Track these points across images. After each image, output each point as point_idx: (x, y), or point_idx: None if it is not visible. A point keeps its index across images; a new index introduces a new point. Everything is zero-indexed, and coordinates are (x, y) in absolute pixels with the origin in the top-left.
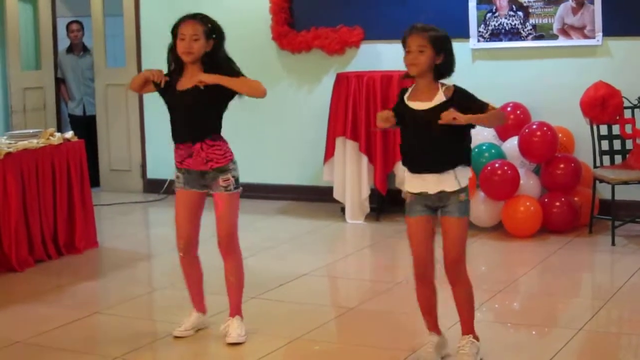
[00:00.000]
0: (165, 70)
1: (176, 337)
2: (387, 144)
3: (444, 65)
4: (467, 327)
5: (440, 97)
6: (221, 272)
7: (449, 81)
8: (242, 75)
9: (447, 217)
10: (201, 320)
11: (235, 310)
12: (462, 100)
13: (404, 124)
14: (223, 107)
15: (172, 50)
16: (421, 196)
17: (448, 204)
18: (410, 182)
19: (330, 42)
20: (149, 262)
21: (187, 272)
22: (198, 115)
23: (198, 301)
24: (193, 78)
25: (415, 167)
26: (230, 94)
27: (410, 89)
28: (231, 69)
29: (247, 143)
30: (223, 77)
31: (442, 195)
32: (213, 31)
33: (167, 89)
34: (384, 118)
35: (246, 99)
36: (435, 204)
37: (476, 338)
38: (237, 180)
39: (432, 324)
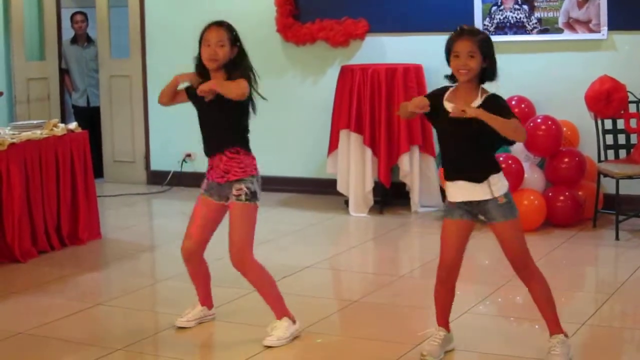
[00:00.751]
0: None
1: (178, 327)
2: (391, 137)
3: (490, 70)
4: (553, 326)
5: (477, 102)
6: (223, 263)
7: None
8: (247, 73)
9: (492, 223)
10: (205, 314)
11: (280, 313)
12: (491, 105)
13: (439, 128)
14: (239, 117)
15: (199, 58)
16: (460, 204)
17: (487, 209)
18: (448, 190)
19: (335, 34)
20: (152, 254)
21: (192, 272)
22: (215, 126)
23: (204, 296)
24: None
25: (450, 173)
26: (237, 104)
27: (450, 89)
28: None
29: (251, 135)
30: (217, 83)
31: (479, 201)
32: (237, 38)
33: (198, 99)
34: (419, 105)
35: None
36: (475, 209)
37: (566, 336)
38: (252, 193)
39: (443, 320)
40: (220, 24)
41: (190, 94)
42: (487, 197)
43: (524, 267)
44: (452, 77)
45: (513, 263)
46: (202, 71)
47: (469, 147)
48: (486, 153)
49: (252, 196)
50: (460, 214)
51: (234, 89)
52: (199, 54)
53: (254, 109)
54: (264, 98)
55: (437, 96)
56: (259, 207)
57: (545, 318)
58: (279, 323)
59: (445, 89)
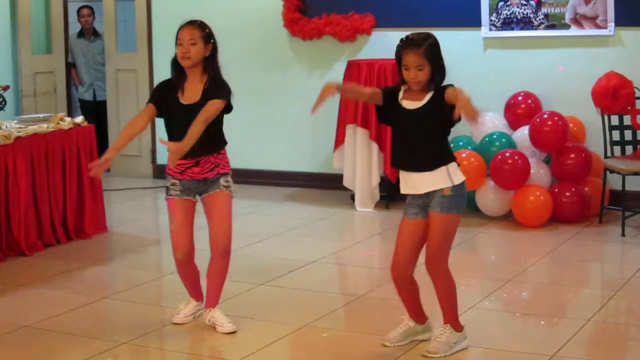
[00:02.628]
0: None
1: (175, 324)
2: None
3: (438, 75)
4: (448, 317)
5: (429, 96)
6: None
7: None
8: (228, 94)
9: (430, 211)
10: (199, 308)
11: (216, 301)
12: (438, 93)
13: (394, 124)
14: (221, 122)
15: (175, 59)
16: (413, 196)
17: (433, 198)
18: (403, 181)
19: (341, 29)
20: (158, 248)
21: (184, 276)
22: (207, 129)
23: (195, 293)
24: (195, 88)
25: (402, 165)
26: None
27: (403, 89)
28: (225, 84)
29: (257, 129)
30: (191, 138)
31: (429, 193)
32: (211, 36)
33: (173, 102)
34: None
35: (257, 89)
36: (425, 202)
37: (458, 329)
38: (232, 188)
39: (413, 311)
40: (192, 23)
41: (162, 101)
42: (444, 185)
43: (435, 264)
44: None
45: (429, 256)
46: (179, 71)
47: (422, 142)
48: (439, 146)
49: (232, 190)
50: (416, 212)
51: (203, 121)
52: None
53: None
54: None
55: (393, 92)
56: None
57: (442, 310)
58: (214, 311)
59: (399, 85)
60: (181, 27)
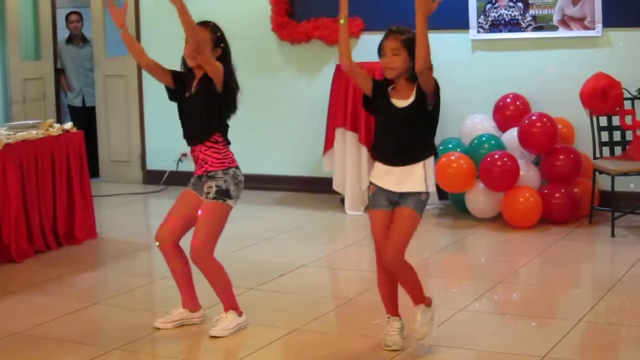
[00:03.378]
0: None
1: (155, 327)
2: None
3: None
4: (417, 299)
5: (414, 95)
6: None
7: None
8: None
9: (403, 207)
10: (186, 316)
11: (228, 305)
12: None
13: (381, 117)
14: (218, 108)
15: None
16: (386, 191)
17: (408, 197)
18: (377, 173)
19: (330, 32)
20: (148, 253)
21: (172, 268)
22: (195, 117)
23: (186, 297)
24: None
25: (387, 159)
26: (214, 91)
27: (390, 89)
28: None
29: (246, 133)
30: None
31: (404, 193)
32: (221, 40)
33: (179, 93)
34: None
35: (246, 93)
36: (396, 199)
37: (427, 302)
38: (222, 191)
39: (393, 309)
40: (205, 24)
41: (175, 80)
42: (420, 189)
43: (401, 258)
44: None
45: (393, 252)
46: (188, 70)
47: (407, 138)
48: (421, 141)
49: (223, 194)
50: (385, 204)
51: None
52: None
53: (234, 108)
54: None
55: (383, 86)
56: (232, 207)
57: (409, 295)
58: (225, 315)
59: (386, 85)
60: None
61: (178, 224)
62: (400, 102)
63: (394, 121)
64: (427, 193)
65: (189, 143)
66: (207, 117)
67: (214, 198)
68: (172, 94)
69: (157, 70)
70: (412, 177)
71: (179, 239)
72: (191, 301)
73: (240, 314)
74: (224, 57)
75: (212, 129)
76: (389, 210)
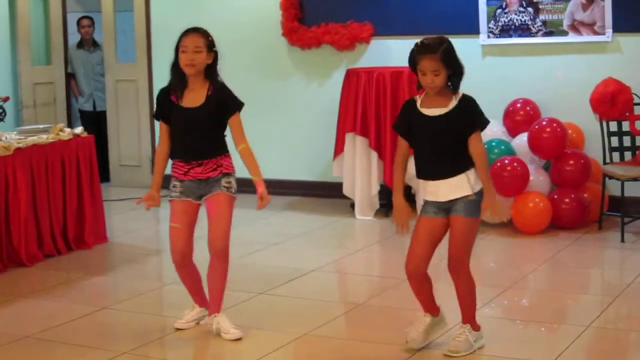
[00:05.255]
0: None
1: (177, 329)
2: (397, 140)
3: (455, 76)
4: (467, 317)
5: (453, 103)
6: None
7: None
8: (240, 103)
9: (454, 215)
10: (203, 315)
11: (219, 306)
12: (466, 109)
13: (417, 133)
14: (226, 123)
15: (175, 64)
16: (434, 203)
17: (456, 203)
18: (424, 189)
19: (340, 37)
20: (158, 258)
21: (184, 278)
22: (210, 133)
23: (199, 299)
24: (198, 94)
25: (429, 174)
26: (227, 112)
27: (420, 98)
28: (232, 93)
29: (256, 138)
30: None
31: (453, 200)
32: (213, 44)
33: (171, 107)
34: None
35: (256, 97)
36: (447, 206)
37: (475, 328)
38: (235, 189)
39: (427, 305)
40: (197, 30)
41: (167, 111)
42: (467, 192)
43: (457, 266)
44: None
45: (452, 257)
46: (180, 77)
47: (447, 148)
48: (462, 151)
49: (235, 191)
50: (435, 211)
51: (249, 150)
52: (175, 60)
53: None
54: None
55: (409, 109)
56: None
57: (461, 309)
58: (219, 316)
59: (413, 99)
60: (185, 34)
61: (188, 245)
62: (434, 111)
63: (429, 132)
64: (476, 193)
65: (194, 159)
66: (218, 132)
67: (235, 192)
68: (159, 115)
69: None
70: (456, 185)
71: (192, 253)
72: (204, 302)
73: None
74: (214, 62)
75: (222, 142)
76: (438, 217)
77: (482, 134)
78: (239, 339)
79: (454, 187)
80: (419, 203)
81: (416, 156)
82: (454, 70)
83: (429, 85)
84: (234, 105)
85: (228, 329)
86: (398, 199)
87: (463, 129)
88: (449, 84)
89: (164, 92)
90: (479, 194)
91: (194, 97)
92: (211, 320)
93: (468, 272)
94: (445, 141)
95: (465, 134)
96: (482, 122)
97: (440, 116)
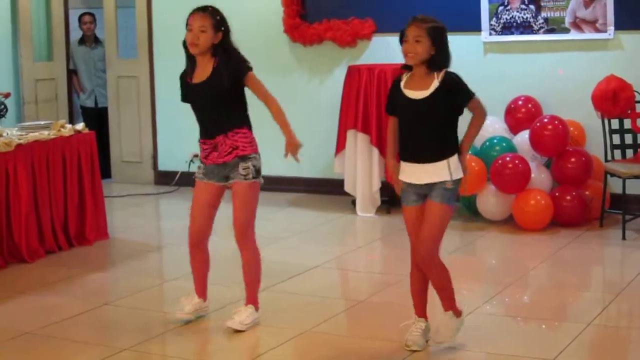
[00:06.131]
0: None
1: (178, 317)
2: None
3: (439, 57)
4: (448, 305)
5: (435, 85)
6: (230, 264)
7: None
8: (249, 66)
9: (429, 200)
10: (201, 306)
11: (250, 299)
12: (450, 86)
13: (399, 114)
14: (240, 96)
15: (185, 42)
16: (412, 185)
17: (434, 189)
18: (404, 171)
19: (342, 34)
20: (159, 254)
21: (195, 261)
22: (218, 107)
23: (200, 287)
24: (205, 70)
25: (410, 156)
26: (240, 84)
27: (405, 77)
28: (242, 59)
29: (258, 135)
30: (291, 137)
31: (430, 184)
32: (222, 23)
33: (187, 87)
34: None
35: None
36: (425, 191)
37: (457, 314)
38: (257, 170)
39: (421, 309)
40: (204, 10)
41: (184, 92)
42: (445, 178)
43: (433, 255)
44: (406, 65)
45: (421, 247)
46: (189, 55)
47: (429, 132)
48: (446, 135)
49: (257, 174)
50: (414, 199)
51: (278, 107)
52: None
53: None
54: None
55: (394, 89)
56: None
57: (442, 299)
58: (244, 308)
59: (400, 77)
60: (192, 13)
61: (205, 225)
62: (416, 94)
63: (410, 114)
64: (454, 181)
65: (211, 136)
66: (232, 107)
67: (253, 178)
68: (182, 97)
69: None
70: (436, 170)
71: (209, 235)
72: (204, 292)
73: (257, 309)
74: (225, 41)
75: (239, 119)
76: (420, 204)
77: (483, 130)
78: (238, 331)
79: (432, 172)
80: None
81: (399, 137)
82: (439, 50)
83: (408, 51)
84: (243, 68)
85: (235, 318)
86: (389, 161)
87: (452, 109)
88: (430, 65)
89: (182, 74)
90: (457, 183)
91: (202, 73)
92: (239, 308)
93: (440, 262)
94: (427, 125)
95: (455, 114)
96: (468, 92)
97: (422, 99)
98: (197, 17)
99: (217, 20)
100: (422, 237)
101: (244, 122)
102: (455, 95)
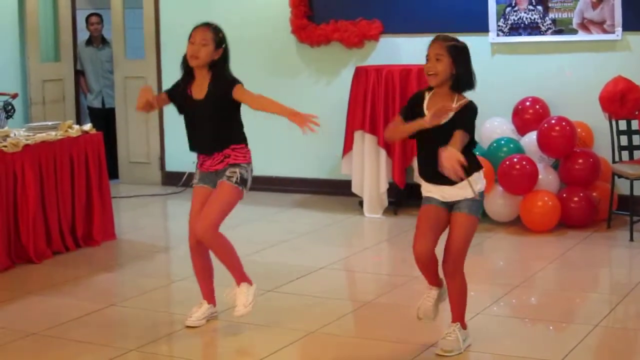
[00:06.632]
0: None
1: (188, 327)
2: (406, 138)
3: (461, 77)
4: (457, 316)
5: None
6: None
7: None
8: (237, 80)
9: (456, 212)
10: (211, 312)
11: (239, 279)
12: (461, 115)
13: (420, 134)
14: (237, 115)
15: (185, 57)
16: (435, 199)
17: (461, 201)
18: (427, 188)
19: (349, 35)
20: (166, 255)
21: (195, 267)
22: (216, 125)
23: (207, 293)
24: (202, 86)
25: (431, 178)
26: (228, 93)
27: (428, 96)
28: (230, 77)
29: (265, 136)
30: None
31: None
32: (223, 41)
33: (181, 96)
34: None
35: (265, 94)
36: (451, 203)
37: (464, 326)
38: (243, 179)
39: (433, 279)
40: (207, 25)
41: (175, 95)
42: (469, 196)
43: (455, 265)
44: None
45: (448, 255)
46: (187, 69)
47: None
48: (467, 156)
49: (242, 182)
50: (440, 202)
51: (269, 99)
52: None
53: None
54: None
55: (416, 102)
56: (243, 197)
57: (452, 308)
58: (238, 290)
59: (422, 96)
60: (195, 27)
61: None
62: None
63: (432, 136)
64: (480, 193)
65: (206, 152)
66: (225, 123)
67: (235, 182)
68: (179, 108)
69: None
70: (459, 190)
71: None
72: (212, 297)
73: (251, 283)
74: (224, 58)
75: (231, 136)
76: (441, 207)
77: (491, 131)
78: (244, 315)
79: (454, 194)
80: None
81: (420, 157)
82: (460, 69)
83: (430, 70)
84: (231, 83)
85: (239, 303)
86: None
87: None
88: (453, 85)
89: (175, 87)
90: (481, 194)
91: (200, 89)
92: (232, 290)
93: (463, 272)
94: (444, 144)
95: (471, 137)
96: (467, 129)
97: (440, 126)
98: (199, 31)
99: (219, 37)
100: (450, 248)
101: (241, 139)
102: (463, 121)
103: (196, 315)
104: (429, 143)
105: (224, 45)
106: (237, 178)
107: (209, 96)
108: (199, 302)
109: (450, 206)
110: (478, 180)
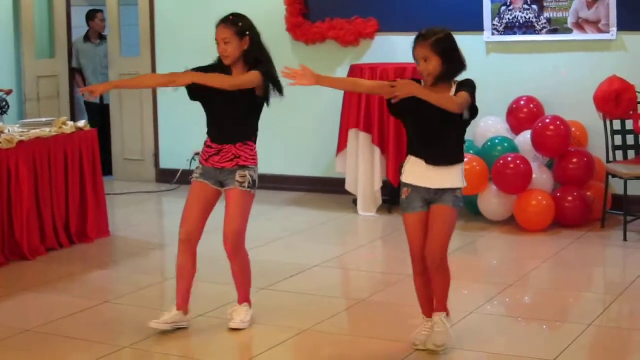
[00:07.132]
0: None
1: (152, 326)
2: (401, 136)
3: (452, 67)
4: (442, 306)
5: (452, 93)
6: (226, 263)
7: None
8: (260, 69)
9: (439, 204)
10: (180, 319)
11: (243, 298)
12: (461, 86)
13: (416, 114)
14: (256, 111)
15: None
16: (420, 190)
17: (444, 194)
18: (413, 173)
19: (344, 33)
20: (160, 252)
21: (181, 261)
22: (239, 117)
23: (182, 298)
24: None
25: (426, 158)
26: (254, 97)
27: (423, 83)
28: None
29: (260, 134)
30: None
31: (440, 190)
32: (246, 28)
33: (207, 93)
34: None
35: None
36: (432, 197)
37: (448, 314)
38: (254, 181)
39: (429, 311)
40: (224, 21)
41: (195, 89)
42: (457, 185)
43: (442, 257)
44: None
45: (434, 249)
46: (225, 66)
47: (449, 137)
48: (461, 143)
49: (253, 185)
50: (420, 205)
51: (222, 82)
52: None
53: (267, 102)
54: (280, 93)
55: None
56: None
57: (435, 298)
58: (239, 307)
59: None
60: (217, 27)
61: (196, 224)
62: None
63: (430, 119)
64: (461, 189)
65: (220, 142)
66: (246, 120)
67: (248, 187)
68: (194, 95)
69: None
70: (450, 176)
71: (200, 237)
72: (185, 304)
73: (251, 306)
74: (254, 44)
75: (249, 133)
76: (425, 211)
77: (485, 130)
78: (237, 329)
79: (448, 177)
80: None
81: (418, 139)
82: (450, 60)
83: (421, 72)
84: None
85: (235, 318)
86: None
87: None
88: (446, 78)
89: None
90: (462, 190)
91: None
92: (232, 308)
93: (447, 263)
94: (444, 132)
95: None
96: (464, 91)
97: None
98: (219, 30)
99: (239, 27)
100: (435, 239)
101: (254, 134)
102: (463, 87)
103: (163, 319)
104: (430, 125)
105: (248, 33)
106: (248, 182)
107: (237, 95)
108: (170, 308)
109: (429, 202)
110: (463, 172)
